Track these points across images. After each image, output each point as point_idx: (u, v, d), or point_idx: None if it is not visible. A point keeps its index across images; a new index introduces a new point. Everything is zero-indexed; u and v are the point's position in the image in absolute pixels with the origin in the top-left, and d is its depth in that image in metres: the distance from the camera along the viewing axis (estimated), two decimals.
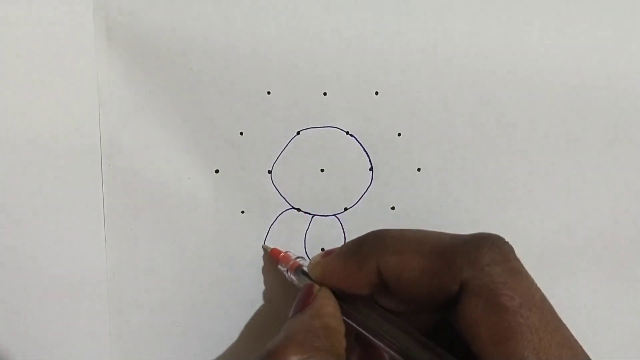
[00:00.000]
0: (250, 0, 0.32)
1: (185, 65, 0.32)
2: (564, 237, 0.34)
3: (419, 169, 0.34)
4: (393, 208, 0.34)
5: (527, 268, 0.26)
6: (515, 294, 0.24)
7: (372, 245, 0.27)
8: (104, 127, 0.32)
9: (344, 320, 0.28)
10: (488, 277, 0.24)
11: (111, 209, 0.33)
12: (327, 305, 0.27)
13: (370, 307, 0.28)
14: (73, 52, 0.31)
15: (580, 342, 0.24)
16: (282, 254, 0.32)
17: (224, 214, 0.33)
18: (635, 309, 0.36)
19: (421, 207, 0.34)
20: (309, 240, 0.34)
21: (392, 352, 0.26)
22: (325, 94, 0.33)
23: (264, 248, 0.33)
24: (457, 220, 0.34)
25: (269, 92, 0.33)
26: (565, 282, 0.35)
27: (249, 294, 0.34)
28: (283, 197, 0.34)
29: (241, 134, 0.33)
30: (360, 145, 0.33)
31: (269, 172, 0.33)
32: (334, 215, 0.34)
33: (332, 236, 0.34)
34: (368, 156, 0.33)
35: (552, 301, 0.25)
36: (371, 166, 0.34)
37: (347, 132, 0.33)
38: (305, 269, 0.30)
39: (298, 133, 0.33)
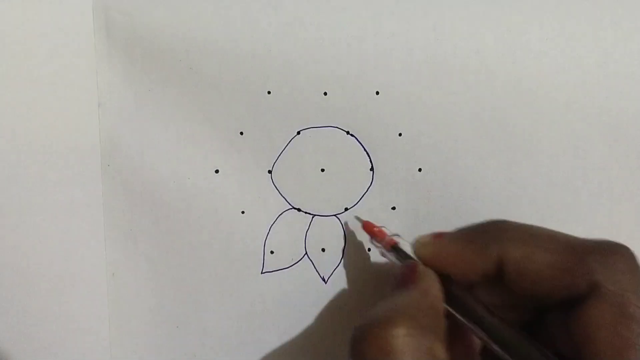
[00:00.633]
0: (250, 0, 0.32)
1: (185, 65, 0.32)
2: None
3: (419, 169, 0.33)
4: (394, 208, 0.34)
5: None
6: None
7: (496, 234, 0.27)
8: (103, 127, 0.32)
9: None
10: (620, 284, 0.24)
11: (111, 209, 0.33)
12: (433, 287, 0.27)
13: (470, 296, 0.27)
14: (73, 52, 0.31)
15: None
16: (376, 229, 0.31)
17: (224, 214, 0.33)
18: None
19: (422, 207, 0.34)
20: (309, 241, 0.34)
21: (492, 343, 0.26)
22: (325, 94, 0.33)
23: (357, 218, 0.33)
24: (458, 220, 0.34)
25: (269, 92, 0.33)
26: None
27: (249, 294, 0.34)
28: (283, 197, 0.33)
29: (241, 134, 0.33)
30: (361, 145, 0.33)
31: (269, 172, 0.33)
32: (335, 215, 0.34)
33: (333, 236, 0.34)
34: (368, 156, 0.33)
35: None
36: (372, 166, 0.33)
37: (348, 132, 0.33)
38: (401, 246, 0.30)
39: (298, 133, 0.33)
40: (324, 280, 0.34)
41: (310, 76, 0.32)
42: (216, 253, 0.33)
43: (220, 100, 0.32)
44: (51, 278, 0.32)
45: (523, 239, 0.26)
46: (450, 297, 0.27)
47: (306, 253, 0.34)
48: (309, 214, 0.34)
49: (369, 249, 0.34)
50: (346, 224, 0.34)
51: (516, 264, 0.26)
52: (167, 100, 0.32)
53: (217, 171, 0.33)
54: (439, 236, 0.29)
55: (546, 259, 0.25)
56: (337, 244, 0.34)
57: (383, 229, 0.32)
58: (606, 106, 0.33)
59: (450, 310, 0.27)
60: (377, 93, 0.33)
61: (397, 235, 0.31)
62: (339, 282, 0.34)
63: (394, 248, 0.30)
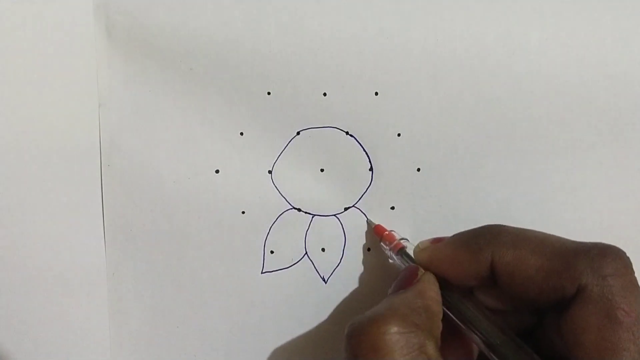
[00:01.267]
0: (250, 0, 0.32)
1: (186, 65, 0.32)
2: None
3: (418, 169, 0.34)
4: (393, 208, 0.34)
5: None
6: (631, 309, 0.24)
7: (489, 238, 0.27)
8: (103, 127, 0.32)
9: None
10: (608, 287, 0.24)
11: (111, 209, 0.33)
12: (430, 290, 0.27)
13: (468, 300, 0.28)
14: (73, 52, 0.31)
15: None
16: (386, 233, 0.32)
17: (224, 214, 0.33)
18: None
19: (421, 207, 0.34)
20: (309, 240, 0.34)
21: (484, 347, 0.26)
22: (325, 94, 0.33)
23: (368, 222, 0.33)
24: (457, 220, 0.34)
25: (269, 92, 0.33)
26: None
27: (249, 294, 0.34)
28: (283, 197, 0.33)
29: (241, 134, 0.33)
30: (360, 145, 0.33)
31: (269, 172, 0.33)
32: (334, 215, 0.34)
33: (333, 236, 0.34)
34: (368, 156, 0.33)
35: None
36: (371, 166, 0.33)
37: (347, 132, 0.33)
38: (409, 251, 0.31)
39: (298, 133, 0.33)
40: (324, 280, 0.34)
41: (310, 76, 0.32)
42: (216, 253, 0.33)
43: (220, 100, 0.32)
44: (51, 278, 0.32)
45: (514, 243, 0.27)
46: (448, 301, 0.28)
47: (306, 253, 0.34)
48: (309, 214, 0.34)
49: (369, 249, 0.34)
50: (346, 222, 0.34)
51: (507, 267, 0.26)
52: (167, 100, 0.32)
53: (217, 171, 0.33)
54: (437, 240, 0.30)
55: (535, 263, 0.26)
56: (337, 244, 0.34)
57: (393, 232, 0.32)
58: (606, 106, 0.33)
59: (448, 313, 0.28)
60: (377, 93, 0.33)
61: (406, 239, 0.32)
62: (339, 282, 0.34)
63: (401, 252, 0.31)
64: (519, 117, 0.33)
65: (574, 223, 0.34)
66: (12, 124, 0.31)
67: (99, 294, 0.33)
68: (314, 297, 0.34)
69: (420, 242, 0.30)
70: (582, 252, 0.25)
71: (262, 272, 0.34)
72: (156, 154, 0.33)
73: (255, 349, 0.34)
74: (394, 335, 0.24)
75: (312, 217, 0.34)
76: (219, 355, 0.34)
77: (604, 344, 0.23)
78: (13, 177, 0.31)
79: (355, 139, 0.33)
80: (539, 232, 0.27)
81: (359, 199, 0.34)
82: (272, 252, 0.34)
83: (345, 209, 0.34)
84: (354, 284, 0.34)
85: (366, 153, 0.33)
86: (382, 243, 0.32)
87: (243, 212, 0.33)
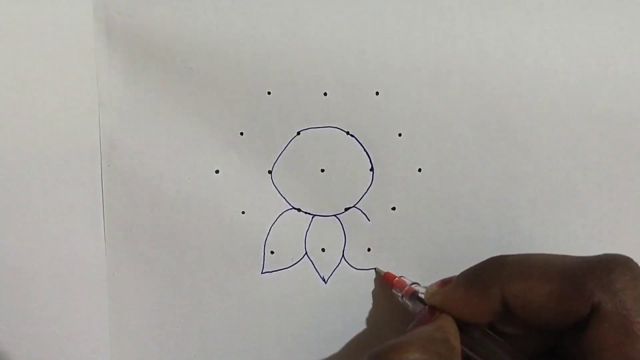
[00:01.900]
0: (250, 0, 0.32)
1: (185, 65, 0.32)
2: (564, 238, 0.34)
3: (419, 170, 0.33)
4: (394, 209, 0.34)
5: None
6: None
7: (494, 273, 0.27)
8: (103, 127, 0.32)
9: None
10: (621, 302, 0.24)
11: (111, 209, 0.33)
12: (449, 326, 0.27)
13: (486, 337, 0.28)
14: (73, 52, 0.31)
15: None
16: (396, 279, 0.33)
17: (224, 214, 0.33)
18: None
19: (422, 207, 0.34)
20: (309, 241, 0.34)
21: None
22: (325, 94, 0.33)
23: (377, 271, 0.34)
24: (458, 220, 0.34)
25: (269, 92, 0.33)
26: None
27: (249, 294, 0.34)
28: (283, 197, 0.33)
29: (241, 134, 0.33)
30: (361, 145, 0.33)
31: (269, 172, 0.33)
32: (334, 215, 0.34)
33: (333, 237, 0.34)
34: (368, 156, 0.33)
35: None
36: (371, 166, 0.33)
37: (348, 132, 0.33)
38: (421, 295, 0.30)
39: (298, 133, 0.33)
40: (324, 280, 0.34)
41: (310, 76, 0.32)
42: (216, 253, 0.33)
43: (220, 100, 0.32)
44: (51, 278, 0.32)
45: (521, 273, 0.26)
46: (467, 341, 0.28)
47: (306, 253, 0.34)
48: (309, 214, 0.34)
49: (369, 249, 0.34)
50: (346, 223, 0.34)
51: (518, 299, 0.26)
52: (167, 100, 0.32)
53: (217, 171, 0.33)
54: (444, 282, 0.29)
55: (545, 290, 0.25)
56: (337, 244, 0.34)
57: (403, 278, 0.32)
58: (606, 106, 0.33)
59: (468, 352, 0.28)
60: (377, 93, 0.33)
61: (417, 283, 0.32)
62: (339, 282, 0.34)
63: (413, 297, 0.31)
64: (520, 117, 0.33)
65: (574, 223, 0.34)
66: (12, 124, 0.31)
67: (99, 294, 0.33)
68: (314, 297, 0.34)
69: (429, 287, 0.30)
70: (588, 270, 0.25)
71: (262, 272, 0.34)
72: (156, 154, 0.33)
73: (255, 349, 0.34)
74: None
75: (312, 217, 0.34)
76: (219, 355, 0.34)
77: None
78: (13, 177, 0.31)
79: (356, 138, 0.33)
80: (541, 255, 0.27)
81: (360, 199, 0.34)
82: (272, 252, 0.34)
83: (346, 209, 0.34)
84: (354, 284, 0.34)
85: (367, 153, 0.33)
86: (393, 290, 0.32)
87: (243, 212, 0.33)
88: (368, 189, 0.34)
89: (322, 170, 0.33)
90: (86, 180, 0.32)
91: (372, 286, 0.34)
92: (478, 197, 0.34)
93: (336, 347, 0.34)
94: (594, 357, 0.24)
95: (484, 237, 0.34)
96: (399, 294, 0.32)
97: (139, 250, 0.33)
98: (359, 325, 0.34)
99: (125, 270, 0.33)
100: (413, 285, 0.32)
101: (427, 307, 0.29)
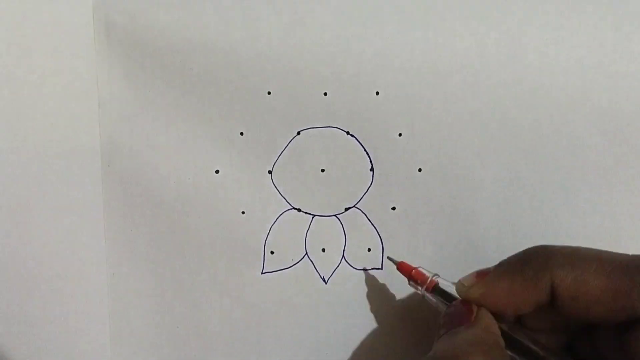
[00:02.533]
0: (250, 0, 0.32)
1: (185, 66, 0.32)
2: (565, 238, 0.34)
3: (419, 170, 0.33)
4: (394, 208, 0.34)
5: None
6: None
7: (543, 262, 0.26)
8: (103, 127, 0.32)
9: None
10: None
11: (111, 209, 0.33)
12: (494, 326, 0.26)
13: (520, 330, 0.27)
14: (73, 52, 0.31)
15: None
16: (414, 271, 0.30)
17: (224, 214, 0.33)
18: None
19: (422, 207, 0.34)
20: (309, 241, 0.34)
21: None
22: (325, 94, 0.33)
23: (390, 259, 0.32)
24: (458, 220, 0.34)
25: (269, 92, 0.33)
26: None
27: (249, 294, 0.34)
28: (283, 197, 0.33)
29: (241, 134, 0.33)
30: (361, 145, 0.33)
31: (269, 172, 0.33)
32: (335, 215, 0.34)
33: (333, 236, 0.34)
34: (369, 156, 0.33)
35: None
36: (372, 166, 0.33)
37: (348, 132, 0.33)
38: (442, 286, 0.29)
39: (298, 133, 0.33)
40: (324, 280, 0.34)
41: (310, 76, 0.32)
42: (216, 253, 0.33)
43: (220, 100, 0.32)
44: (51, 278, 0.32)
45: (571, 263, 0.25)
46: (506, 336, 0.27)
47: (306, 253, 0.34)
48: (309, 214, 0.34)
49: (369, 249, 0.34)
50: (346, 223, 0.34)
51: (568, 289, 0.25)
52: (167, 100, 0.32)
53: (217, 171, 0.33)
54: (481, 275, 0.28)
55: (600, 283, 0.25)
56: (337, 244, 0.34)
57: (420, 269, 0.30)
58: (606, 106, 0.33)
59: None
60: (377, 93, 0.33)
61: (437, 275, 0.30)
62: (339, 282, 0.34)
63: (436, 289, 0.29)
64: (520, 117, 0.33)
65: (574, 223, 0.34)
66: (12, 124, 0.31)
67: (99, 294, 0.33)
68: (314, 297, 0.34)
69: (464, 280, 0.28)
70: None
71: (262, 273, 0.34)
72: (156, 154, 0.33)
73: (255, 349, 0.34)
74: None
75: (312, 217, 0.34)
76: (219, 355, 0.34)
77: None
78: (13, 177, 0.31)
79: (356, 138, 0.33)
80: (589, 249, 0.26)
81: (360, 199, 0.34)
82: (272, 252, 0.34)
83: (346, 209, 0.34)
84: (354, 284, 0.34)
85: (367, 153, 0.33)
86: (410, 282, 0.30)
87: (243, 212, 0.33)
88: (368, 189, 0.34)
89: (322, 170, 0.33)
90: (86, 180, 0.32)
91: (372, 286, 0.34)
92: (478, 197, 0.34)
93: (336, 347, 0.34)
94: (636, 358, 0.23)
95: (484, 237, 0.34)
96: (419, 288, 0.30)
97: (139, 250, 0.33)
98: (359, 325, 0.34)
99: (125, 270, 0.33)
100: (434, 278, 0.29)
101: (458, 301, 0.28)
